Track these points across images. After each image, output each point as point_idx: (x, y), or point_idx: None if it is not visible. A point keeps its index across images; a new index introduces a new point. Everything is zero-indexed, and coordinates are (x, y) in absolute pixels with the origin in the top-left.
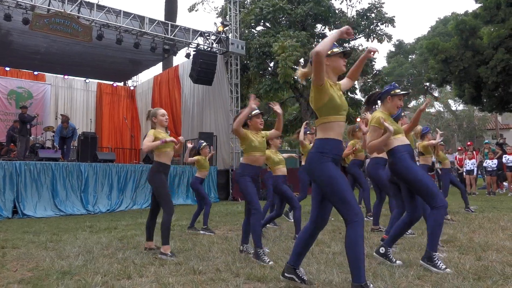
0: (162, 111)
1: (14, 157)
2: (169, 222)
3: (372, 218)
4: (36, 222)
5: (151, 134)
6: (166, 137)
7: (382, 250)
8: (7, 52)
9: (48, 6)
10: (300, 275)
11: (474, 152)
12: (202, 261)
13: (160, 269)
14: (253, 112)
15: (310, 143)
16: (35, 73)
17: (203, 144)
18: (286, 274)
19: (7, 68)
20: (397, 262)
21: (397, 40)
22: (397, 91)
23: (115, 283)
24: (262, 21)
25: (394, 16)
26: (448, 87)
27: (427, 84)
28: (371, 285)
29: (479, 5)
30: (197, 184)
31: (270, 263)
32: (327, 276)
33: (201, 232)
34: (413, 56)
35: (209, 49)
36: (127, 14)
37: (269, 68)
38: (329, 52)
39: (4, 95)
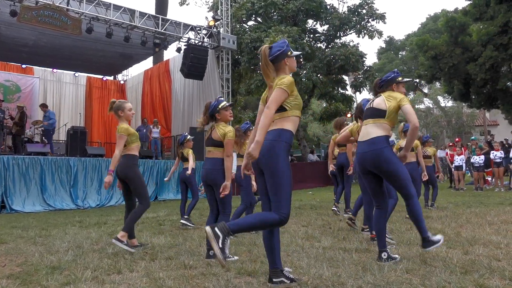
0: (129, 105)
1: None
2: (142, 213)
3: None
4: (25, 217)
5: (124, 133)
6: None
7: (384, 255)
8: None
9: None
10: (288, 275)
11: (462, 148)
12: (192, 256)
13: (150, 264)
14: (221, 105)
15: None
16: (23, 66)
17: (188, 137)
18: (274, 280)
19: None
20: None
21: (387, 37)
22: (400, 78)
23: (105, 278)
24: (254, 15)
25: (385, 13)
26: (437, 84)
27: (417, 80)
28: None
29: (469, 2)
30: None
31: (235, 258)
32: (317, 271)
33: (182, 221)
34: (404, 53)
35: (200, 43)
36: (117, 7)
37: (260, 63)
38: (289, 53)
39: None
